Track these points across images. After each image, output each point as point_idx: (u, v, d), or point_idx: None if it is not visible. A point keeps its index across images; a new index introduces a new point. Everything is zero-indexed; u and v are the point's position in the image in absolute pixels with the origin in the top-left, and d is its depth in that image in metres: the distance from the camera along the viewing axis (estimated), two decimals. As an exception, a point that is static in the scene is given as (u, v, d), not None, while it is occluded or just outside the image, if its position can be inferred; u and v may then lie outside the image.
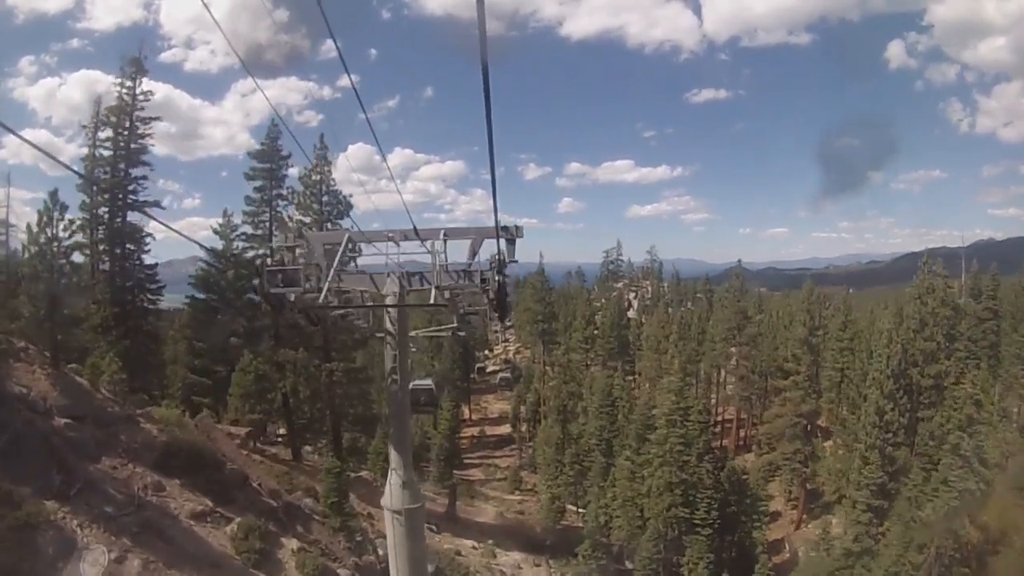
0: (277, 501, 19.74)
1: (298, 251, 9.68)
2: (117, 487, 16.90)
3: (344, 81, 7.12)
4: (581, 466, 43.44)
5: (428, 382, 10.38)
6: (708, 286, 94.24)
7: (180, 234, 7.13)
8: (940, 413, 36.22)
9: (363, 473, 37.17)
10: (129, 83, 34.65)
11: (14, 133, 4.00)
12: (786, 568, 38.40)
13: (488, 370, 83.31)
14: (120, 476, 17.40)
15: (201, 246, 28.88)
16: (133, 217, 35.43)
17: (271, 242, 29.75)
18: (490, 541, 34.84)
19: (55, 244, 22.22)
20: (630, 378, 64.05)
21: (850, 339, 49.29)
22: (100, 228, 35.12)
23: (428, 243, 9.11)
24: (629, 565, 35.93)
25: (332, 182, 35.47)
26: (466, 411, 67.39)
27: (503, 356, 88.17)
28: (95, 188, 33.71)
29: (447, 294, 8.24)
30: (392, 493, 9.64)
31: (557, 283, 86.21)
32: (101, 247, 34.88)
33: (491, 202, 6.98)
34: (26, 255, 22.23)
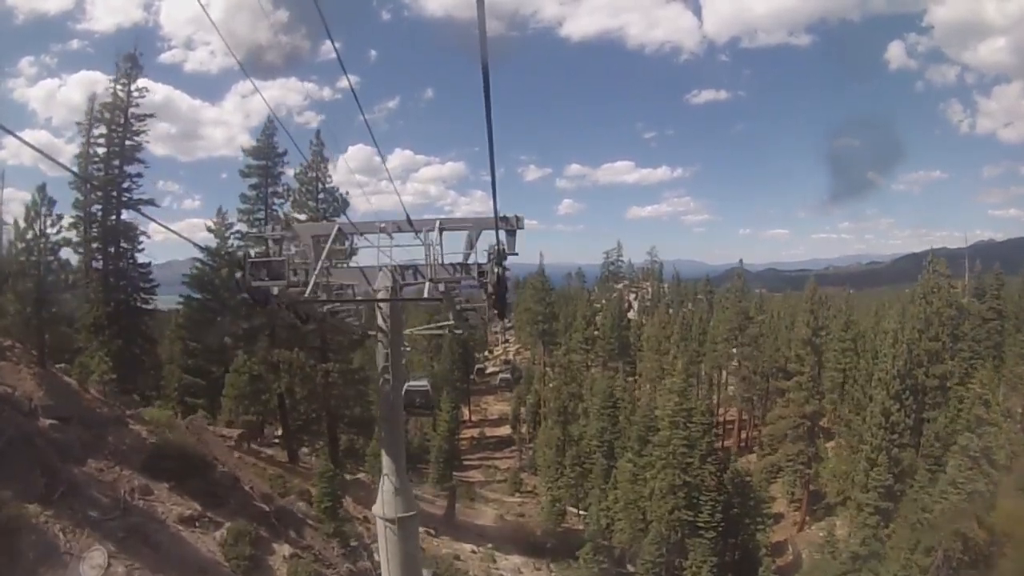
0: (269, 505, 19.15)
1: (286, 244, 9.15)
2: (103, 490, 16.36)
3: (344, 82, 6.71)
4: (582, 468, 42.97)
5: (423, 383, 9.77)
6: (709, 287, 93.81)
7: (174, 232, 6.65)
8: (944, 414, 35.75)
9: (360, 476, 36.61)
10: (124, 79, 34.09)
11: (10, 132, 3.90)
12: (789, 571, 37.96)
13: (488, 371, 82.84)
14: (106, 479, 16.85)
15: (195, 244, 28.42)
16: (128, 215, 35.02)
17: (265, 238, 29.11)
18: (490, 545, 34.28)
19: (43, 240, 21.68)
20: (631, 379, 63.59)
21: (852, 340, 48.79)
22: (94, 226, 34.55)
23: (423, 235, 8.55)
24: (631, 569, 35.49)
25: (328, 179, 34.93)
26: (466, 412, 66.90)
27: (503, 357, 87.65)
28: (89, 185, 33.19)
29: (442, 287, 7.66)
30: (384, 500, 9.05)
31: (557, 284, 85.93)
32: (95, 245, 34.29)
33: (491, 203, 6.49)
34: (12, 251, 21.66)
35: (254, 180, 34.57)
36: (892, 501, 32.51)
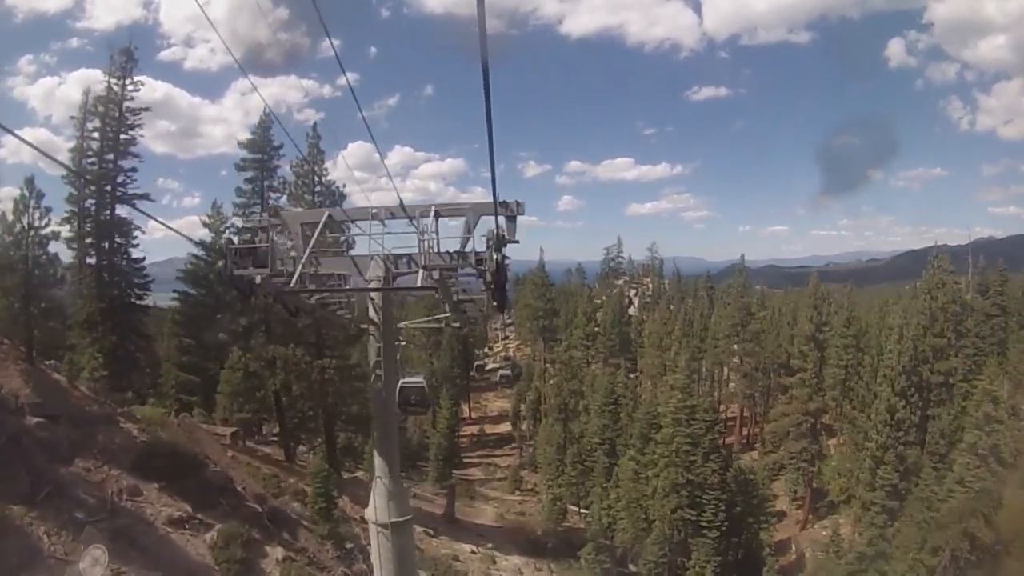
0: (262, 506, 18.60)
1: (277, 233, 8.62)
2: (90, 491, 15.85)
3: (344, 79, 6.28)
4: (583, 466, 42.50)
5: (419, 380, 9.20)
6: (709, 283, 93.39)
7: (169, 227, 6.20)
8: (947, 411, 35.28)
9: (358, 474, 36.15)
10: (119, 72, 33.51)
11: (8, 130, 3.91)
12: (792, 570, 37.54)
13: (488, 368, 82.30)
14: (94, 479, 16.34)
15: (189, 239, 27.84)
16: (123, 211, 34.46)
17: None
18: (489, 545, 33.76)
19: (31, 233, 21.14)
20: (632, 376, 63.17)
21: (854, 336, 48.32)
22: (88, 221, 33.98)
23: (417, 221, 8.01)
24: (633, 569, 35.08)
25: (325, 172, 34.39)
26: (465, 409, 66.51)
27: (503, 353, 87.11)
28: (83, 180, 32.62)
29: (436, 274, 7.11)
30: (377, 504, 8.51)
31: (557, 281, 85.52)
32: (88, 241, 33.73)
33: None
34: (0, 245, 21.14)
35: (250, 174, 34.01)
36: (898, 500, 32.07)
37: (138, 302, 35.42)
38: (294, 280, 7.31)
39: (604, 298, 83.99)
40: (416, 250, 7.92)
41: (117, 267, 34.42)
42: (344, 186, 35.18)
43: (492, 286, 7.39)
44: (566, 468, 43.17)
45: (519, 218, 8.10)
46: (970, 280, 57.09)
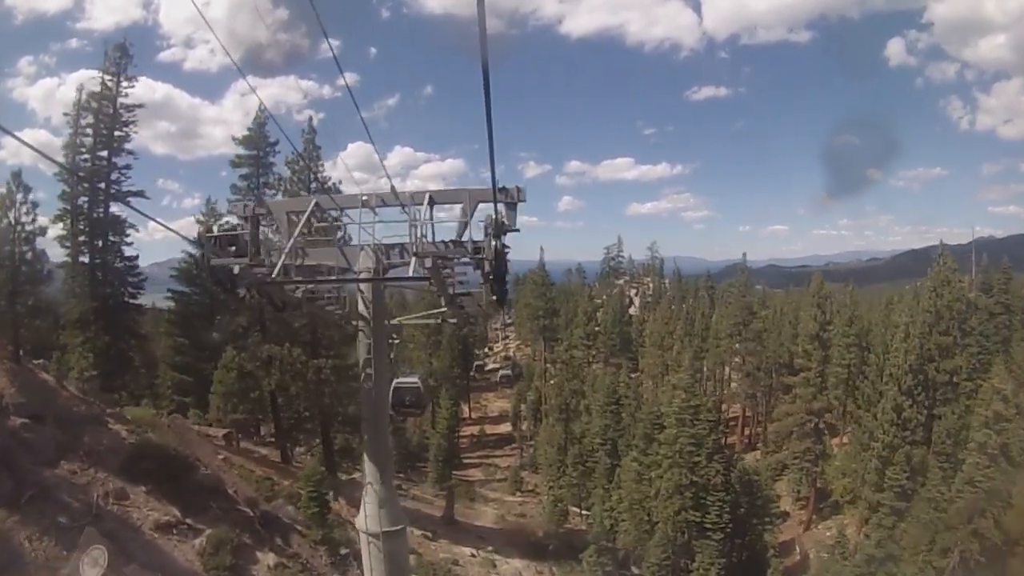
0: (254, 510, 17.99)
1: (263, 224, 8.05)
2: (75, 494, 15.30)
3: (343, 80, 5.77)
4: (585, 467, 41.92)
5: (414, 380, 8.62)
6: (710, 283, 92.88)
7: (163, 224, 5.70)
8: (952, 410, 34.76)
9: (356, 476, 35.50)
10: (113, 69, 32.96)
11: (6, 131, 3.81)
12: (796, 571, 37.05)
13: (488, 367, 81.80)
14: (79, 482, 15.78)
15: (181, 236, 27.39)
16: (116, 208, 33.89)
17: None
18: (490, 548, 33.16)
19: (18, 229, 20.60)
20: (633, 375, 62.64)
21: (857, 335, 47.82)
22: (81, 219, 33.41)
23: (410, 209, 7.44)
24: (636, 571, 34.56)
25: (321, 168, 33.87)
26: (465, 409, 65.95)
27: (503, 353, 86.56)
28: (75, 177, 32.04)
29: (429, 262, 6.55)
30: (367, 513, 7.91)
31: (557, 280, 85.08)
32: (81, 239, 33.15)
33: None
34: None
35: (245, 170, 33.65)
36: (904, 500, 31.55)
37: (132, 301, 34.87)
38: (276, 270, 6.75)
39: (604, 298, 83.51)
40: (409, 239, 7.35)
41: (110, 265, 33.85)
42: (340, 183, 34.62)
43: (491, 276, 6.82)
44: (567, 469, 42.62)
45: (519, 203, 7.55)
46: (973, 279, 56.67)
